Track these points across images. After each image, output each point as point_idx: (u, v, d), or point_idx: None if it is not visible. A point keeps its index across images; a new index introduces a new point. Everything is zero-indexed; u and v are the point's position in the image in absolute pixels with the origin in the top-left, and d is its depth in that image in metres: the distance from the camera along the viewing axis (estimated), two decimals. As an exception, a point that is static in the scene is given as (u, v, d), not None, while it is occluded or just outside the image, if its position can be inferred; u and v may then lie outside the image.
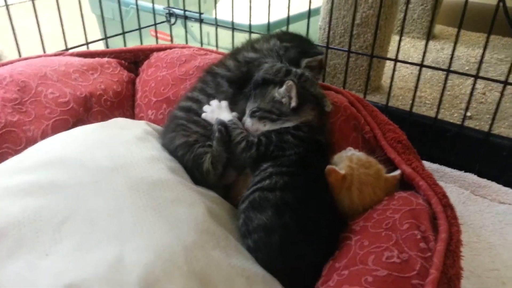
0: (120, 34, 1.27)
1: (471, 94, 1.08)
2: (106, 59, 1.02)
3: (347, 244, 0.65)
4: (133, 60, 1.08)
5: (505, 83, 1.03)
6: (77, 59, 0.98)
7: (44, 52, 1.10)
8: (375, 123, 0.84)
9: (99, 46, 1.28)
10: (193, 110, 0.84)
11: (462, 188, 1.10)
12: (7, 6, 1.05)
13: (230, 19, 1.27)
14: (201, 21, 1.31)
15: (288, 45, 0.85)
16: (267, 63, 0.81)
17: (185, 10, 1.33)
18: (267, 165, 0.71)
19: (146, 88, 1.00)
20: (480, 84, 1.78)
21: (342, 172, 0.70)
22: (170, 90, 0.97)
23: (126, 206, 0.62)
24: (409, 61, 1.98)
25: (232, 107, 0.81)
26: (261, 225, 0.66)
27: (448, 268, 0.58)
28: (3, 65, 0.91)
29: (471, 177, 1.11)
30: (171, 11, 1.34)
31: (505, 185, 1.08)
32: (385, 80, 1.78)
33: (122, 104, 0.99)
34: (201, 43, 1.38)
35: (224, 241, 0.65)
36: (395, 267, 0.57)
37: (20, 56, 1.08)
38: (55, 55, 1.00)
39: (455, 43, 1.08)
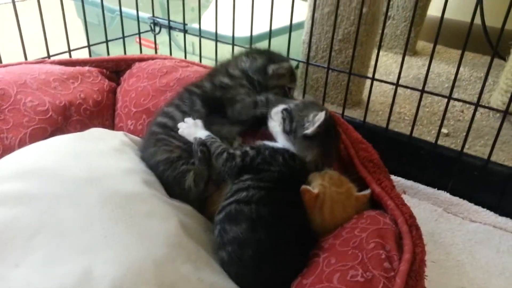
0: (103, 42, 1.27)
1: (444, 113, 1.11)
2: (87, 68, 1.02)
3: (316, 261, 0.67)
4: (115, 69, 1.09)
5: (477, 105, 1.06)
6: (57, 67, 0.98)
7: (25, 56, 1.10)
8: (349, 141, 0.86)
9: (83, 53, 1.29)
10: (168, 126, 0.85)
11: (435, 206, 1.13)
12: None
13: (215, 30, 1.28)
14: (185, 31, 1.32)
15: (255, 55, 0.90)
16: (239, 98, 0.85)
17: (169, 21, 1.34)
18: (247, 177, 0.73)
19: (126, 98, 1.01)
20: (459, 102, 1.83)
21: (315, 191, 0.72)
22: (150, 101, 0.98)
23: (97, 219, 0.62)
24: (390, 76, 2.04)
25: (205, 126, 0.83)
26: (236, 238, 0.68)
27: (410, 287, 0.60)
28: (-18, 71, 0.91)
29: (444, 195, 1.14)
30: (155, 21, 1.35)
31: (477, 203, 1.11)
32: (366, 94, 1.81)
33: (102, 113, 1.00)
34: (185, 53, 1.39)
35: (195, 254, 0.66)
36: (358, 285, 0.58)
37: (0, 58, 1.09)
38: (36, 62, 1.00)
39: (430, 62, 1.11)
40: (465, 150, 1.30)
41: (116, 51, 1.43)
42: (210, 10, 2.17)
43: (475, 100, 1.08)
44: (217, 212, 0.73)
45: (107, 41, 1.27)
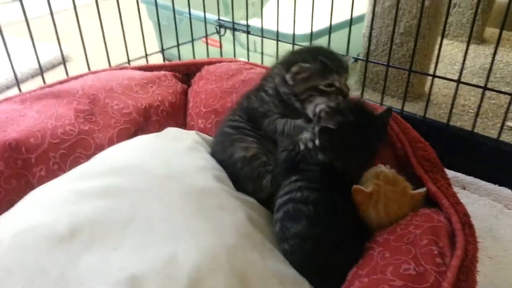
0: (174, 46, 1.39)
1: (507, 110, 1.10)
2: (162, 72, 1.14)
3: (371, 254, 0.72)
4: (186, 72, 1.19)
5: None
6: (138, 73, 1.10)
7: (109, 62, 1.24)
8: (406, 140, 0.90)
9: (157, 55, 1.42)
10: (240, 127, 0.93)
11: (495, 202, 1.13)
12: (75, 8, 1.17)
13: (276, 28, 1.35)
14: (248, 33, 1.40)
15: (279, 66, 0.93)
16: (270, 114, 0.91)
17: (233, 23, 1.42)
18: (295, 178, 0.80)
19: (197, 99, 1.11)
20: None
21: (369, 190, 0.77)
22: (218, 102, 1.07)
23: (178, 210, 0.73)
24: (455, 66, 1.99)
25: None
26: (297, 233, 0.75)
27: (461, 282, 0.64)
28: (75, 78, 1.05)
29: (505, 191, 1.14)
30: (221, 23, 1.44)
31: (540, 200, 1.10)
32: (428, 86, 1.79)
33: (176, 113, 1.11)
34: (248, 53, 1.47)
35: (260, 244, 0.74)
36: (410, 278, 0.64)
37: (87, 59, 1.23)
38: (119, 69, 1.13)
39: (494, 53, 1.09)
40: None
41: (185, 51, 1.55)
42: (270, 4, 2.23)
43: None
44: (275, 210, 0.81)
45: (178, 45, 1.38)
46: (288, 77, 0.88)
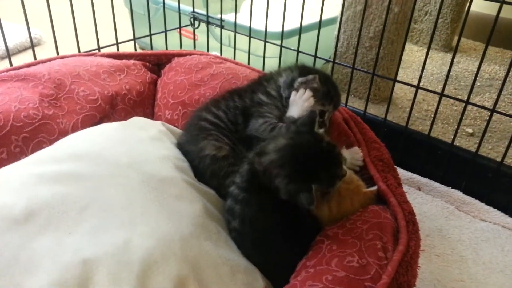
0: (147, 35, 1.39)
1: (461, 118, 1.16)
2: (132, 61, 1.14)
3: (320, 246, 0.76)
4: (157, 63, 1.20)
5: (492, 111, 1.10)
6: (107, 60, 1.11)
7: (79, 48, 1.24)
8: (363, 140, 0.94)
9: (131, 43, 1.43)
10: (221, 126, 0.93)
11: (447, 203, 1.19)
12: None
13: (255, 26, 1.37)
14: (222, 27, 1.42)
15: (289, 70, 0.95)
16: (266, 115, 0.91)
17: (208, 16, 1.44)
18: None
19: (165, 90, 1.12)
20: (488, 101, 1.84)
21: None
22: (186, 94, 1.09)
23: (136, 198, 0.74)
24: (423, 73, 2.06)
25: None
26: (235, 228, 0.79)
27: (400, 275, 0.68)
28: (42, 62, 1.05)
29: (457, 194, 1.20)
30: (195, 16, 1.45)
31: (488, 203, 1.17)
32: (396, 91, 1.86)
33: (144, 102, 1.12)
34: (221, 47, 1.49)
35: (215, 235, 0.77)
36: (353, 270, 0.67)
37: (55, 43, 1.23)
38: (88, 55, 1.13)
39: (451, 62, 1.14)
40: (487, 151, 1.34)
41: (158, 41, 1.55)
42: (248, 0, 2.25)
43: (507, 100, 1.11)
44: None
45: (150, 34, 1.39)
46: (300, 80, 0.90)
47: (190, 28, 1.63)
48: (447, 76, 1.15)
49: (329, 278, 0.67)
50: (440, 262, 1.00)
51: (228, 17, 1.56)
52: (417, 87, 1.20)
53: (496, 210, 1.15)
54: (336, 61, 1.72)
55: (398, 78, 1.36)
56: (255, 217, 0.78)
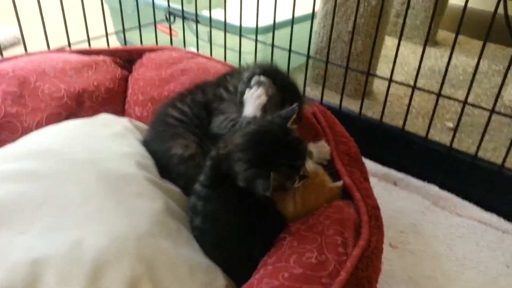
0: (121, 31, 1.37)
1: (434, 111, 1.15)
2: (101, 57, 1.12)
3: (281, 243, 0.74)
4: (128, 59, 1.18)
5: (464, 103, 1.09)
6: (74, 56, 1.09)
7: (48, 44, 1.22)
8: (331, 134, 0.93)
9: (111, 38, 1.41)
10: (186, 122, 0.91)
11: (424, 198, 1.18)
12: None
13: (233, 21, 1.35)
14: (197, 22, 1.40)
15: (254, 68, 0.92)
16: (225, 111, 0.89)
17: (183, 11, 1.42)
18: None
19: (135, 86, 1.11)
20: (470, 96, 1.82)
21: None
22: (155, 90, 1.07)
23: (93, 196, 0.73)
24: (405, 67, 2.05)
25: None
26: (197, 226, 0.77)
27: (359, 271, 0.67)
28: (8, 59, 1.03)
29: (434, 189, 1.19)
30: (170, 11, 1.44)
31: (465, 198, 1.15)
32: (376, 85, 1.84)
33: (113, 99, 1.10)
34: (197, 42, 1.47)
35: (175, 233, 0.75)
36: (310, 266, 0.66)
37: (23, 39, 1.23)
38: (56, 52, 1.11)
39: (421, 58, 1.13)
40: (468, 145, 1.33)
41: (135, 35, 1.53)
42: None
43: (488, 94, 1.10)
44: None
45: (124, 31, 1.37)
46: (256, 78, 0.87)
47: (167, 24, 1.61)
48: (418, 68, 1.14)
49: (286, 275, 0.65)
50: (413, 258, 0.99)
51: (208, 12, 1.54)
52: (390, 80, 1.19)
53: (472, 204, 1.14)
54: (316, 56, 1.72)
55: (378, 73, 1.35)
56: (217, 213, 0.77)
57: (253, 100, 0.85)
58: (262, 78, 0.87)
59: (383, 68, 1.99)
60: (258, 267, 0.73)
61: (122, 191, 0.76)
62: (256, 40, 1.34)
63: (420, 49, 2.15)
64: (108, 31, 1.39)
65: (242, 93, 0.87)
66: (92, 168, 0.77)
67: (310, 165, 0.84)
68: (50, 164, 0.77)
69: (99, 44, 1.40)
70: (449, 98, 1.16)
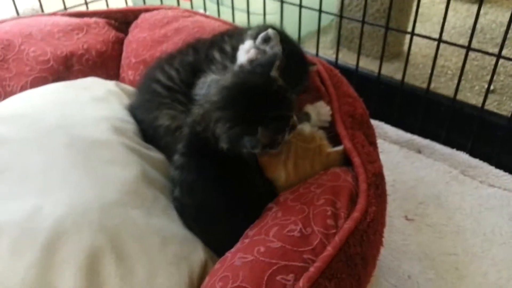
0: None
1: (463, 68, 0.99)
2: (94, 19, 1.05)
3: (266, 214, 0.65)
4: (124, 20, 1.11)
5: (498, 56, 0.93)
6: (65, 19, 1.03)
7: (42, 8, 1.16)
8: (336, 94, 0.81)
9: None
10: (173, 89, 0.83)
11: (451, 167, 1.04)
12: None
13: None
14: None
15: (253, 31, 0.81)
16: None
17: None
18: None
19: (128, 49, 1.03)
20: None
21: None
22: (148, 52, 0.99)
23: (59, 162, 0.66)
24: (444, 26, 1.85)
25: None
26: (176, 197, 0.70)
27: (351, 247, 0.57)
28: (-4, 23, 0.98)
29: (462, 156, 1.05)
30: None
31: (498, 167, 1.01)
32: (407, 45, 1.67)
33: (106, 63, 1.03)
34: (205, 7, 1.37)
35: (150, 202, 0.68)
36: (291, 240, 0.57)
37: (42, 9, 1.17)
38: (48, 15, 1.06)
39: (477, 13, 0.96)
40: (509, 109, 1.17)
41: (150, 1, 1.45)
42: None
43: None
44: None
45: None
46: (263, 35, 0.77)
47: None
48: (473, 30, 0.96)
49: (262, 249, 0.56)
50: (432, 232, 0.87)
51: None
52: (439, 41, 1.03)
53: (506, 173, 0.99)
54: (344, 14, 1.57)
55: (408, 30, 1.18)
56: (194, 185, 0.69)
57: (242, 54, 0.75)
58: (270, 31, 0.77)
59: (418, 27, 1.81)
60: (240, 240, 0.65)
61: (92, 158, 0.69)
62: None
63: (462, 7, 1.93)
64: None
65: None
66: (62, 134, 0.71)
67: (306, 128, 0.74)
68: (20, 129, 0.72)
69: (114, 4, 1.32)
70: (478, 51, 1.00)
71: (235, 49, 0.81)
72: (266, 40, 0.78)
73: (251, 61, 0.75)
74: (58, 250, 0.57)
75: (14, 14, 1.61)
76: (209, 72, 0.80)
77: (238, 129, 0.63)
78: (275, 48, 0.77)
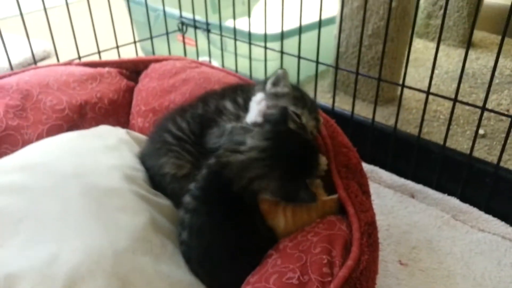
0: (131, 43, 1.38)
1: (450, 118, 1.06)
2: (107, 69, 1.13)
3: (266, 261, 0.70)
4: (134, 70, 1.18)
5: (482, 109, 1.00)
6: (80, 69, 1.10)
7: (57, 57, 1.25)
8: (331, 145, 0.87)
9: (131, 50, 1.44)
10: (183, 139, 0.88)
11: (443, 212, 1.09)
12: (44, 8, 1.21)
13: (256, 29, 1.32)
14: (208, 31, 1.39)
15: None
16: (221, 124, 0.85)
17: (194, 20, 1.41)
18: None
19: (139, 97, 1.10)
20: (505, 99, 1.69)
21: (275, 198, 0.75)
22: (157, 100, 1.06)
23: (73, 210, 0.71)
24: (436, 71, 1.93)
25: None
26: (184, 240, 0.75)
27: (346, 294, 0.62)
28: (15, 73, 1.05)
29: (453, 201, 1.10)
30: (182, 21, 1.43)
31: (488, 212, 1.06)
32: (404, 92, 1.75)
33: (117, 111, 1.10)
34: (209, 52, 1.46)
35: (158, 249, 0.73)
36: (290, 287, 0.61)
37: (57, 56, 1.28)
38: (63, 64, 1.13)
39: (464, 63, 1.02)
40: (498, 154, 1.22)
41: (159, 48, 1.54)
42: (261, 3, 2.21)
43: None
44: None
45: (135, 42, 1.38)
46: (272, 79, 0.85)
47: (191, 36, 1.61)
48: (459, 82, 1.02)
49: (263, 296, 0.61)
50: (424, 277, 0.91)
51: (240, 21, 1.52)
52: (428, 93, 1.08)
53: (496, 219, 1.04)
54: (338, 63, 1.65)
55: (408, 78, 1.23)
56: (203, 228, 0.74)
57: (254, 105, 0.82)
58: (280, 71, 0.85)
59: (412, 73, 1.89)
60: (242, 286, 0.69)
61: (104, 206, 0.74)
62: (266, 48, 1.31)
63: (455, 52, 2.02)
64: (110, 48, 1.41)
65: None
66: (77, 182, 0.76)
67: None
68: (36, 178, 0.77)
69: (125, 53, 1.41)
70: (466, 103, 1.07)
71: (247, 101, 0.87)
72: (276, 83, 0.85)
73: (262, 113, 0.81)
74: (74, 295, 0.62)
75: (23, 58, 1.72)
76: (221, 122, 0.85)
77: (291, 185, 0.71)
78: (284, 88, 0.84)
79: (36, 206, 0.72)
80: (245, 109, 0.87)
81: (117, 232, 0.70)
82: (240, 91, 0.92)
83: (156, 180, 0.87)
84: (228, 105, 0.89)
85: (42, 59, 2.16)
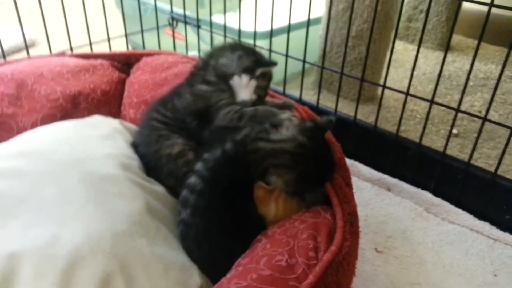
0: (122, 36, 1.41)
1: (427, 118, 1.13)
2: (99, 61, 1.16)
3: (256, 245, 0.75)
4: (126, 62, 1.22)
5: (457, 110, 1.07)
6: (73, 60, 1.13)
7: (50, 48, 1.26)
8: (317, 139, 0.93)
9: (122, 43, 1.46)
10: (169, 123, 0.93)
11: (416, 205, 1.16)
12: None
13: (245, 26, 1.36)
14: (198, 27, 1.43)
15: (241, 53, 0.93)
16: (221, 104, 0.89)
17: (185, 16, 1.45)
18: (203, 158, 0.82)
19: (131, 89, 1.14)
20: (478, 101, 1.79)
21: (271, 186, 0.80)
22: (149, 93, 1.10)
23: (72, 196, 0.75)
24: (415, 73, 2.02)
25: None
26: (183, 219, 0.79)
27: (329, 276, 0.67)
28: (9, 63, 1.07)
29: (427, 195, 1.17)
30: (173, 16, 1.47)
31: (459, 206, 1.14)
32: (381, 89, 1.82)
33: (109, 102, 1.13)
34: (199, 47, 1.50)
35: (153, 232, 0.77)
36: (279, 269, 0.67)
37: (49, 43, 1.30)
38: (57, 55, 1.15)
39: (441, 68, 1.09)
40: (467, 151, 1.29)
41: (149, 42, 1.57)
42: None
43: (499, 100, 1.05)
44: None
45: (126, 35, 1.41)
46: (261, 70, 0.90)
47: (181, 30, 1.64)
48: (436, 86, 1.09)
49: (254, 276, 0.66)
50: (398, 264, 0.98)
51: (216, 18, 1.56)
52: (407, 94, 1.16)
53: (465, 212, 1.12)
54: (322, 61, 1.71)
55: (388, 77, 1.31)
56: (207, 208, 0.78)
57: (244, 87, 0.88)
58: (266, 68, 0.92)
59: (392, 73, 1.97)
60: (232, 267, 0.74)
61: (103, 192, 0.78)
62: (255, 46, 1.36)
63: (433, 54, 2.11)
64: (121, 34, 1.44)
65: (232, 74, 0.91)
66: (75, 169, 0.80)
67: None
68: (35, 164, 0.80)
69: (113, 46, 1.44)
70: (441, 105, 1.14)
71: (219, 74, 0.93)
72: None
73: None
74: (76, 273, 0.65)
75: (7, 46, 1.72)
76: (217, 102, 0.91)
77: (305, 186, 0.79)
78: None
79: (36, 190, 0.75)
80: (222, 78, 0.92)
81: (115, 216, 0.75)
82: (203, 71, 0.95)
83: (151, 165, 0.91)
84: (203, 87, 0.93)
85: (30, 46, 2.15)
